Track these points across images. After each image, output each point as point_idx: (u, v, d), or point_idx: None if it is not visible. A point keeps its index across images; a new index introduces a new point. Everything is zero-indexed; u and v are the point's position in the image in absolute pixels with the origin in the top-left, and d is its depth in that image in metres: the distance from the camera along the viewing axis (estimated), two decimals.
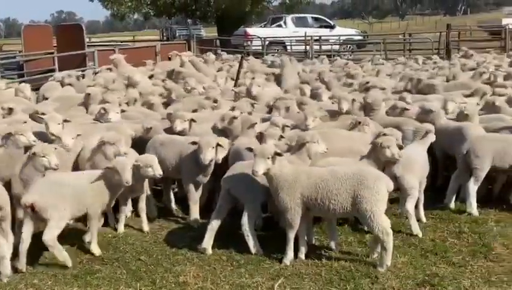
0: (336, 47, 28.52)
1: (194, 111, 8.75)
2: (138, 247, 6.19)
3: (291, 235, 5.59)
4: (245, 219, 5.81)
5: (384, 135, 6.41)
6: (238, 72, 12.91)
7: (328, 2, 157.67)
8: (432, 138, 6.89)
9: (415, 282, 5.15)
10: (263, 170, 5.34)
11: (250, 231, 5.81)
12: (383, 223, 5.24)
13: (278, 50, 27.40)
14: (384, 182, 5.34)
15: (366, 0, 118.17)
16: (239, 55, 18.17)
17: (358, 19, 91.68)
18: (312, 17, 33.14)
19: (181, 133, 7.57)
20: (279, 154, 5.42)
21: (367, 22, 77.95)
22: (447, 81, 12.03)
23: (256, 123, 7.38)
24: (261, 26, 33.12)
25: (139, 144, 7.28)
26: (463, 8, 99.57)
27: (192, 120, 7.74)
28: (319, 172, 5.52)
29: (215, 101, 9.56)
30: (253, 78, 11.69)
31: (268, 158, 5.32)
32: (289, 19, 31.40)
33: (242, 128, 7.36)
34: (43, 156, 5.85)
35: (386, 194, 5.33)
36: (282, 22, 31.42)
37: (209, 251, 5.93)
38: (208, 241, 5.92)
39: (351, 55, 28.34)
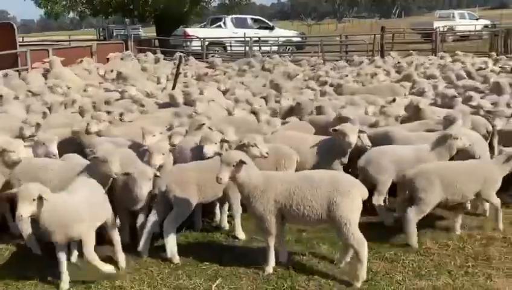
0: (275, 48, 28.78)
1: (121, 115, 8.57)
2: None
3: (271, 243, 5.41)
4: (168, 221, 5.72)
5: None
6: (177, 73, 12.77)
7: (267, 4, 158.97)
8: None
9: (350, 277, 5.27)
10: (227, 178, 5.17)
11: (170, 234, 5.70)
12: (357, 233, 5.08)
13: (217, 51, 27.39)
14: (360, 189, 5.22)
15: (305, 2, 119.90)
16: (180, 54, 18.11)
17: (298, 20, 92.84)
18: (252, 18, 33.26)
19: (98, 134, 7.46)
20: (243, 162, 5.22)
21: (306, 24, 79.00)
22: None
23: (204, 124, 7.29)
24: (200, 27, 32.95)
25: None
26: (397, 11, 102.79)
27: (110, 122, 7.76)
28: (293, 178, 5.41)
29: (142, 105, 9.43)
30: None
31: (234, 166, 5.19)
32: (229, 19, 31.41)
33: (190, 129, 7.30)
34: None
35: (361, 202, 5.19)
36: (221, 23, 31.38)
37: (146, 254, 5.85)
38: (144, 245, 5.83)
39: (290, 57, 28.71)
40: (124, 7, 30.16)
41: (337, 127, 6.84)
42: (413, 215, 5.95)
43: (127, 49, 22.59)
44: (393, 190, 6.80)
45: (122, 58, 18.23)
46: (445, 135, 6.66)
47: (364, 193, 5.23)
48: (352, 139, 6.71)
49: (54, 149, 6.65)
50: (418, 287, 5.19)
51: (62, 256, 5.17)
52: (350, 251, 5.43)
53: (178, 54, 19.93)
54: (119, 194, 5.94)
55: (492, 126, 7.42)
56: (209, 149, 6.36)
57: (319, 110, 8.78)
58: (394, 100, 9.03)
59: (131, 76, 13.32)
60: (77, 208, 5.03)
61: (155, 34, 32.00)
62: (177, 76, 12.57)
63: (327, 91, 11.07)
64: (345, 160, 6.98)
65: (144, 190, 5.58)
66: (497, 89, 9.89)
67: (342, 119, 7.64)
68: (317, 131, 7.88)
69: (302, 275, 5.36)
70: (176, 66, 13.84)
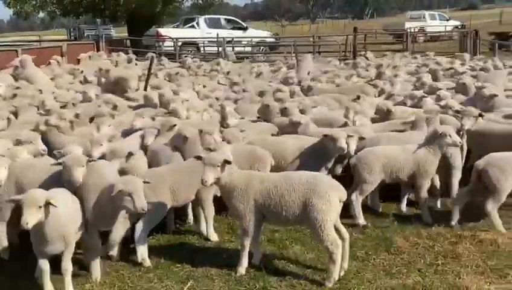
0: (249, 49, 28.80)
1: (91, 119, 8.46)
2: None
3: (246, 243, 5.38)
4: (139, 225, 5.63)
5: None
6: (149, 73, 12.65)
7: (241, 4, 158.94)
8: None
9: (321, 277, 5.29)
10: (212, 179, 5.12)
11: (141, 238, 5.61)
12: (333, 234, 5.06)
13: (190, 51, 27.27)
14: (338, 191, 5.18)
15: (278, 3, 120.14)
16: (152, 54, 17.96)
17: (272, 21, 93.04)
18: (225, 19, 33.20)
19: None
20: (229, 162, 5.20)
21: (280, 25, 79.25)
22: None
23: (175, 125, 7.21)
24: (173, 27, 32.76)
25: None
26: (370, 12, 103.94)
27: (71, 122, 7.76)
28: (273, 177, 5.38)
29: (115, 107, 9.33)
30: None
31: (218, 166, 5.14)
32: (202, 20, 31.29)
33: (161, 130, 7.22)
34: None
35: (339, 204, 5.17)
36: (194, 23, 31.24)
37: (116, 257, 5.77)
38: (114, 248, 5.74)
39: (264, 57, 28.77)
40: (95, 7, 29.81)
41: (327, 133, 6.82)
42: (493, 207, 6.27)
43: (98, 49, 22.36)
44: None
45: (90, 58, 18.01)
46: (434, 132, 6.68)
47: (342, 195, 5.20)
48: (343, 144, 6.62)
49: (43, 145, 6.70)
50: (389, 285, 5.23)
51: (45, 265, 4.89)
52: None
53: (150, 54, 19.75)
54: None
55: (461, 126, 7.50)
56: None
57: (284, 112, 8.69)
58: (358, 98, 9.10)
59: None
60: (77, 216, 4.94)
61: (127, 34, 31.66)
62: (149, 77, 12.46)
63: (295, 92, 11.09)
64: (330, 164, 6.96)
65: (75, 176, 5.24)
66: (463, 89, 9.90)
67: (294, 124, 7.76)
68: (282, 133, 7.86)
69: (274, 276, 5.36)
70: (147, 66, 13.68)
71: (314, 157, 6.85)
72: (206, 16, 32.31)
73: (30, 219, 4.40)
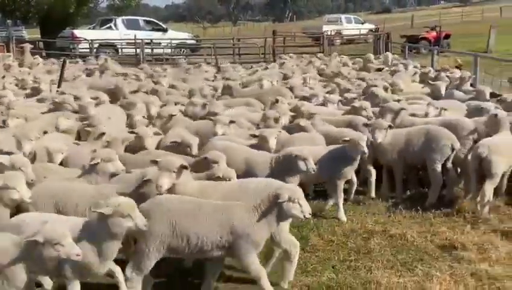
0: (168, 50, 28.45)
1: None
2: None
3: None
4: None
5: None
6: (61, 76, 12.18)
7: (162, 5, 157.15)
8: None
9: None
10: (168, 185, 4.97)
11: None
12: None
13: (108, 53, 26.52)
14: None
15: (200, 4, 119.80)
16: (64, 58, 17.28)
17: (193, 23, 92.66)
18: (144, 20, 32.60)
19: None
20: (185, 167, 5.07)
21: (201, 27, 79.10)
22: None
23: (104, 133, 7.02)
24: (89, 28, 31.78)
25: None
26: (290, 15, 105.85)
27: None
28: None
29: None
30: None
31: (174, 172, 4.99)
32: (119, 21, 30.54)
33: (89, 137, 7.05)
34: None
35: None
36: (112, 24, 30.43)
37: None
38: None
39: (185, 59, 28.51)
40: (5, 7, 28.41)
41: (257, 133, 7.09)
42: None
43: (8, 51, 21.30)
44: None
45: None
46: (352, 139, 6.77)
47: None
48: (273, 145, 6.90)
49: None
50: (304, 283, 5.32)
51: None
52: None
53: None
54: None
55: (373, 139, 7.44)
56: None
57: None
58: (277, 101, 9.19)
59: None
60: None
61: (39, 35, 30.40)
62: (61, 80, 12.00)
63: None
64: None
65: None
66: (372, 98, 9.81)
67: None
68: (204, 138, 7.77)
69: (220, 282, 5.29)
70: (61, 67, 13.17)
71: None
72: (124, 17, 31.61)
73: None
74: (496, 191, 7.06)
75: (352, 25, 44.18)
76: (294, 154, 6.14)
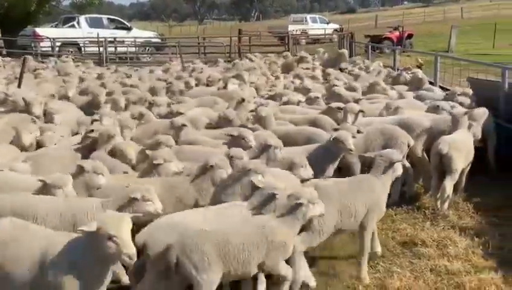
0: (132, 49, 28.13)
1: None
2: None
3: None
4: None
5: None
6: (21, 75, 11.89)
7: (126, 4, 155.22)
8: None
9: None
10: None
11: None
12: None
13: (71, 51, 26.07)
14: None
15: (165, 3, 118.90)
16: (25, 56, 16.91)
17: (158, 21, 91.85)
18: (108, 18, 32.11)
19: None
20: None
21: (167, 25, 78.48)
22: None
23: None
24: (52, 26, 31.14)
25: None
26: (256, 14, 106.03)
27: None
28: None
29: None
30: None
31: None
32: (82, 19, 30.01)
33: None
34: None
35: None
36: (75, 22, 29.85)
37: None
38: None
39: (150, 58, 28.26)
40: None
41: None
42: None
43: None
44: None
45: None
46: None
47: None
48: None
49: None
50: None
51: None
52: None
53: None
54: None
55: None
56: None
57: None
58: (243, 100, 9.12)
59: None
60: None
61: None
62: (21, 79, 11.72)
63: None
64: None
65: None
66: (335, 97, 9.75)
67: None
68: None
69: None
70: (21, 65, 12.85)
71: None
72: (87, 15, 31.10)
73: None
74: (455, 188, 7.22)
75: (317, 25, 44.58)
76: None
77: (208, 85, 12.60)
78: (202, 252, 4.12)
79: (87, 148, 6.68)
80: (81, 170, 5.24)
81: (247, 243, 4.30)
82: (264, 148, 6.23)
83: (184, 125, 7.35)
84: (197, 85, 12.29)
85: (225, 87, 11.50)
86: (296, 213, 4.55)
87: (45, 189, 4.92)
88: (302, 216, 4.56)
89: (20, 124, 7.49)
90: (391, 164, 5.46)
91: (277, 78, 13.53)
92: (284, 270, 4.59)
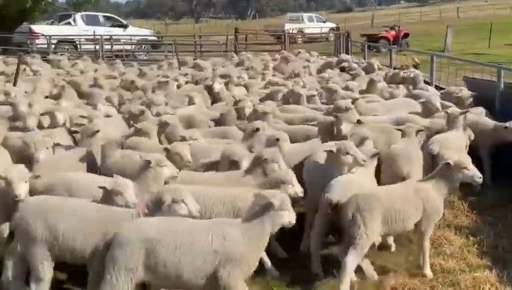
0: (128, 47, 28.08)
1: None
2: None
3: None
4: None
5: None
6: (17, 73, 11.86)
7: (123, 2, 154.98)
8: None
9: None
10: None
11: None
12: None
13: (67, 49, 26.01)
14: None
15: (161, 1, 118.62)
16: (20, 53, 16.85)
17: (154, 19, 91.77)
18: (104, 16, 32.04)
19: None
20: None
21: (163, 23, 78.37)
22: None
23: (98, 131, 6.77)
24: (47, 24, 31.04)
25: None
26: (252, 13, 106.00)
27: None
28: None
29: None
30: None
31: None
32: (79, 16, 29.91)
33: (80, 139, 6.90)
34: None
35: None
36: (71, 20, 29.74)
37: None
38: None
39: (146, 56, 28.22)
40: None
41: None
42: None
43: None
44: None
45: None
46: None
47: None
48: None
49: None
50: None
51: None
52: None
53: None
54: None
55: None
56: None
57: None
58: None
59: None
60: None
61: None
62: (17, 76, 11.69)
63: None
64: None
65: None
66: (331, 93, 9.83)
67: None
68: None
69: None
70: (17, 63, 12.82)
71: None
72: (83, 13, 30.99)
73: None
74: None
75: (314, 24, 44.59)
76: None
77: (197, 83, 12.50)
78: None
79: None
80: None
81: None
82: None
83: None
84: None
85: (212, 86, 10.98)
86: None
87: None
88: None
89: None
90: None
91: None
92: None
